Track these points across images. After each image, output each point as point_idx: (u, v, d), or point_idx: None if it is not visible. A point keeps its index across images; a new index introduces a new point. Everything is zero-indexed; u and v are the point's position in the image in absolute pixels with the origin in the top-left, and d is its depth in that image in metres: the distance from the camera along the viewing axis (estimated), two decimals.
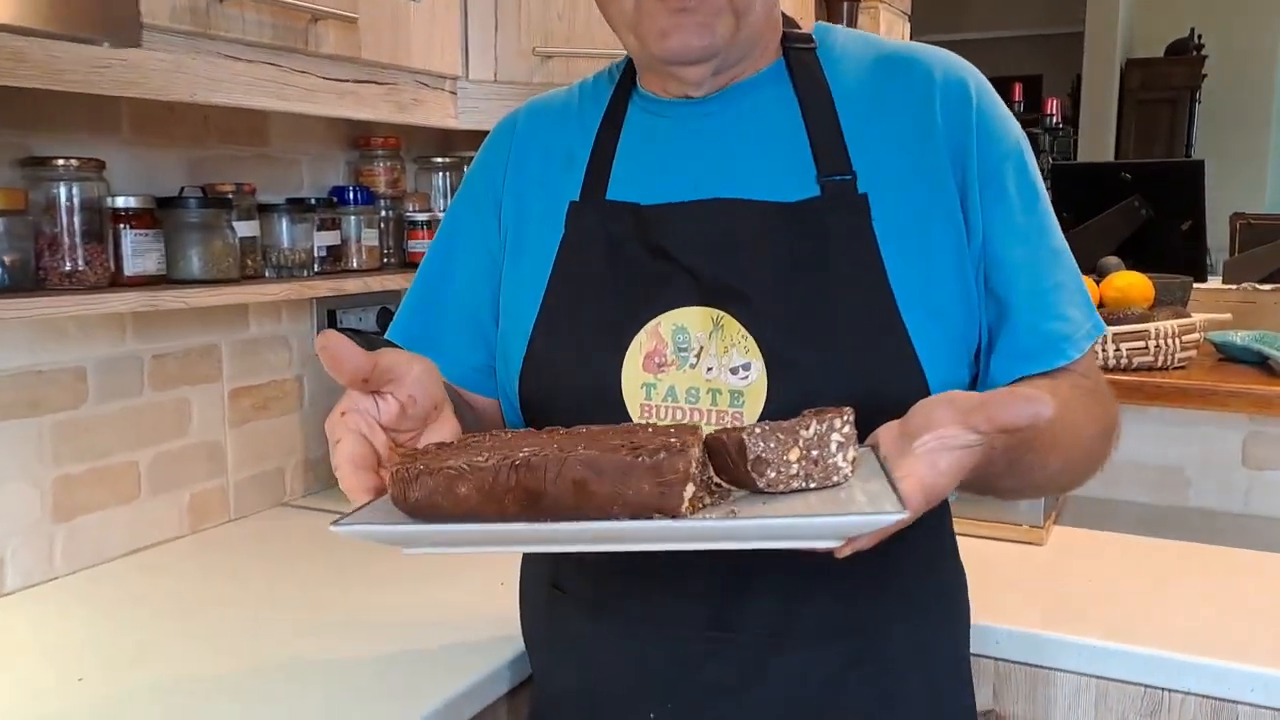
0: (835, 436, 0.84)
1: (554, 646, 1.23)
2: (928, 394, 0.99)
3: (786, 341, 1.03)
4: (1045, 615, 1.52)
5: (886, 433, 0.89)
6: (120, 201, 1.71)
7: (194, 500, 1.99)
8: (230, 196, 1.91)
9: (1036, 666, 1.49)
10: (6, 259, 1.59)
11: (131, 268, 1.70)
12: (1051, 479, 1.05)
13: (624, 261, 1.10)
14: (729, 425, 1.03)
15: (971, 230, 1.07)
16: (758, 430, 0.81)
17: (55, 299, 1.51)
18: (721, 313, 1.05)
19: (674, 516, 0.76)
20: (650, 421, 0.87)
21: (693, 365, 1.05)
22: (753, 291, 1.05)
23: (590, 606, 1.16)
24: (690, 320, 1.06)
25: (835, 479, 0.84)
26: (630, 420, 1.06)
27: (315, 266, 2.05)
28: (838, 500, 0.81)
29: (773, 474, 0.82)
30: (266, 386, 2.12)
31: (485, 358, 1.22)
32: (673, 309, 1.07)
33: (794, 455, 0.83)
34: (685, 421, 1.05)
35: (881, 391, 1.00)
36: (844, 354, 1.02)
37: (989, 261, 1.07)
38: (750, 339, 1.04)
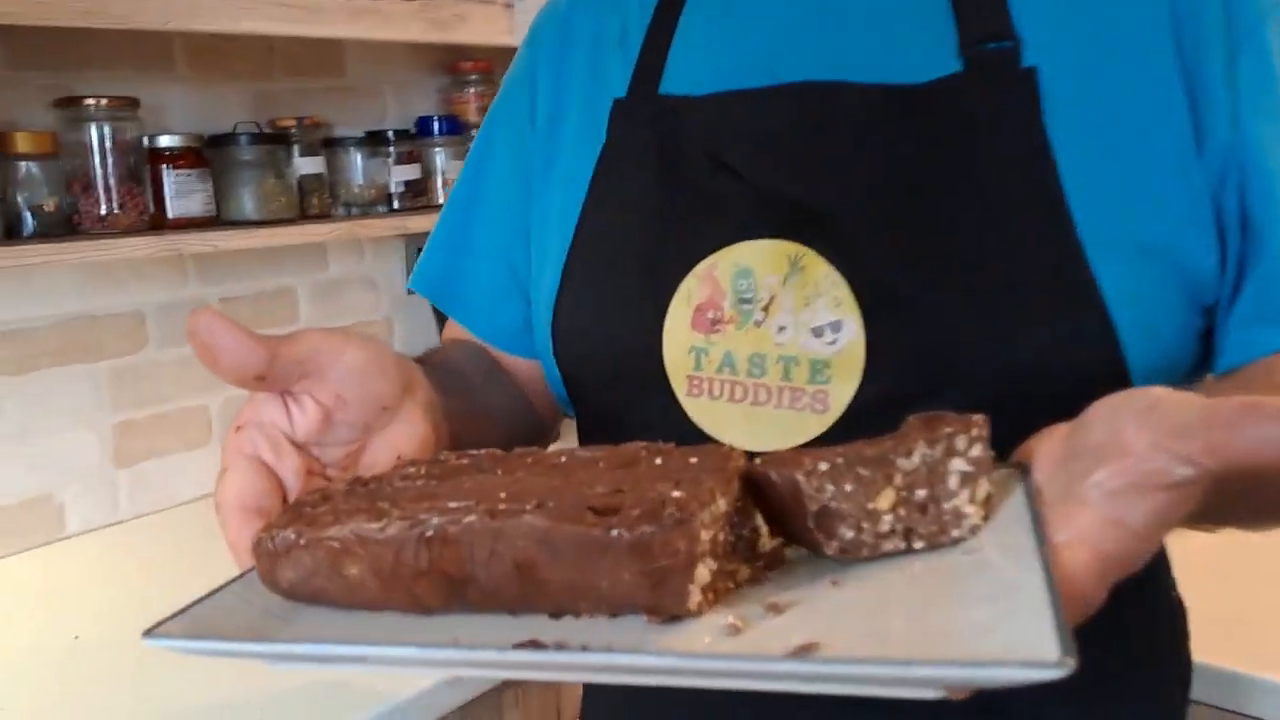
0: (956, 465, 0.49)
1: None
2: (1124, 379, 0.61)
3: (898, 289, 0.65)
4: (1230, 639, 1.05)
5: (1046, 446, 0.51)
6: (163, 140, 1.44)
7: None
8: (292, 131, 1.63)
9: (1220, 710, 1.05)
10: (35, 204, 1.34)
11: (175, 210, 1.43)
12: None
13: (674, 178, 0.73)
14: (808, 406, 0.66)
15: (1206, 125, 0.64)
16: (824, 466, 0.46)
17: (53, 246, 1.26)
18: (803, 249, 0.67)
19: (675, 618, 0.43)
20: (664, 445, 0.52)
21: (759, 323, 0.68)
22: (849, 216, 0.66)
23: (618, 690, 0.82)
24: (758, 259, 0.68)
25: (955, 533, 0.49)
26: (677, 399, 0.70)
27: (393, 203, 1.76)
28: (959, 575, 0.46)
29: (850, 534, 0.47)
30: (351, 330, 1.84)
31: (524, 310, 0.85)
32: (734, 244, 0.69)
33: (886, 501, 0.48)
34: (747, 403, 0.68)
35: (1047, 373, 0.62)
36: (989, 310, 0.63)
37: (1240, 171, 0.64)
38: (843, 285, 0.66)
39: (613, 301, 0.74)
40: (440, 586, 0.43)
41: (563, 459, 0.51)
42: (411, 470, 0.52)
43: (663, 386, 0.71)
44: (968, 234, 0.64)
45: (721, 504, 0.45)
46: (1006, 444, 0.53)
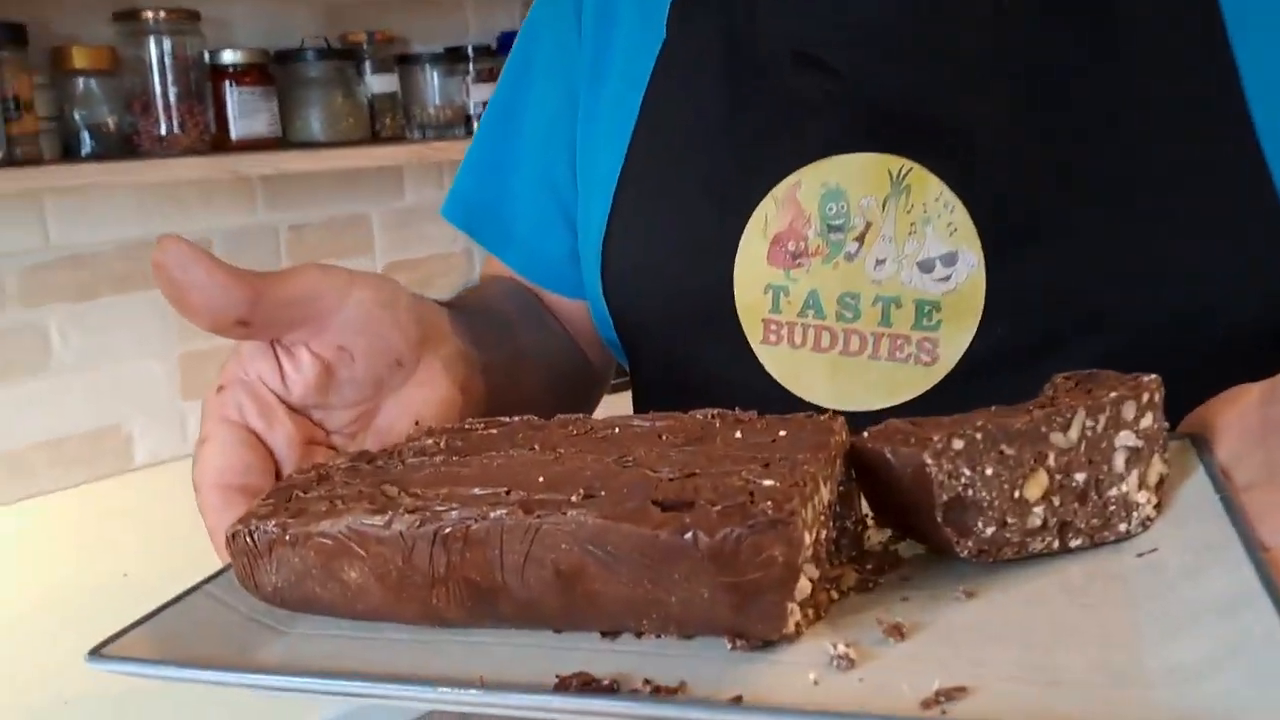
0: (1124, 439, 0.38)
1: None
2: None
3: (1027, 212, 0.53)
4: None
5: (1232, 415, 0.40)
6: (226, 56, 1.35)
7: None
8: (363, 47, 1.53)
9: None
10: (94, 123, 1.27)
11: (239, 130, 1.35)
12: None
13: (748, 80, 0.61)
14: (912, 356, 0.54)
15: None
16: (958, 444, 0.35)
17: (108, 166, 1.21)
18: (908, 163, 0.55)
19: (768, 643, 0.32)
20: (742, 413, 0.41)
21: (851, 255, 0.56)
22: (966, 121, 0.54)
23: None
24: (851, 177, 0.56)
25: (1123, 527, 0.38)
26: (750, 347, 0.58)
27: (472, 126, 1.66)
28: (1138, 587, 0.35)
29: (990, 530, 0.36)
30: (428, 261, 1.75)
31: (570, 240, 0.73)
32: (821, 158, 0.57)
33: (1036, 489, 0.37)
34: (835, 352, 0.56)
35: (1214, 318, 0.50)
36: (1145, 236, 0.51)
37: None
38: (959, 207, 0.53)
39: (673, 231, 0.63)
40: (462, 596, 0.34)
41: (615, 430, 0.40)
42: (429, 443, 0.42)
43: (733, 332, 0.59)
44: (1117, 140, 0.52)
45: (824, 493, 0.34)
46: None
